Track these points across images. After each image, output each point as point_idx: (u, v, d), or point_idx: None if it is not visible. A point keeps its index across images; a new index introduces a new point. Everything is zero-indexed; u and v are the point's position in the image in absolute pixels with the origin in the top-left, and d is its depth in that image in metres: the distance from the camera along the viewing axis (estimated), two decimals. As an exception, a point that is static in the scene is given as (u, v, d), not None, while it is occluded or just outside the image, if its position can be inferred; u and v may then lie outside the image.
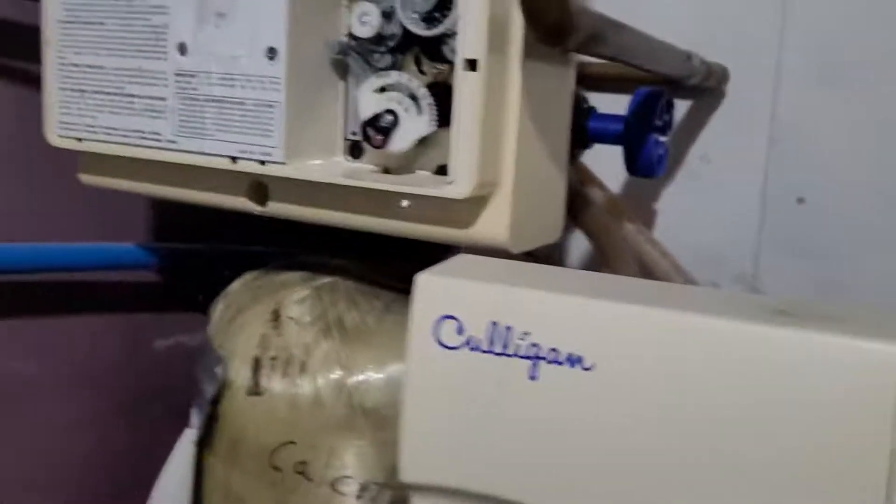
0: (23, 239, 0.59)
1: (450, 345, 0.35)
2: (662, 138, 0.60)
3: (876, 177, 0.67)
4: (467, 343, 0.35)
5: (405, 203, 0.42)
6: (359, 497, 0.50)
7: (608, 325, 0.33)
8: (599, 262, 0.57)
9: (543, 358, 0.33)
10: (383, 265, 0.57)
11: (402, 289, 0.55)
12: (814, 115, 0.69)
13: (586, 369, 0.33)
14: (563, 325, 0.33)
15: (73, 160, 0.54)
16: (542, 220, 0.45)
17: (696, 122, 0.72)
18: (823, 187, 0.69)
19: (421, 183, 0.41)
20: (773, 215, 0.71)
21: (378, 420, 0.50)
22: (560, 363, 0.33)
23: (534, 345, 0.34)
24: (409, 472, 0.37)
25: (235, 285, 0.59)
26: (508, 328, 0.34)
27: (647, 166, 0.59)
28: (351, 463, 0.50)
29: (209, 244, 0.70)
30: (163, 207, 0.69)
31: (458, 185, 0.39)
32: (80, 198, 0.62)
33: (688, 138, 0.73)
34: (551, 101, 0.44)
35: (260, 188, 0.47)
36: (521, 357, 0.34)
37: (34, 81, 0.55)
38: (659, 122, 0.59)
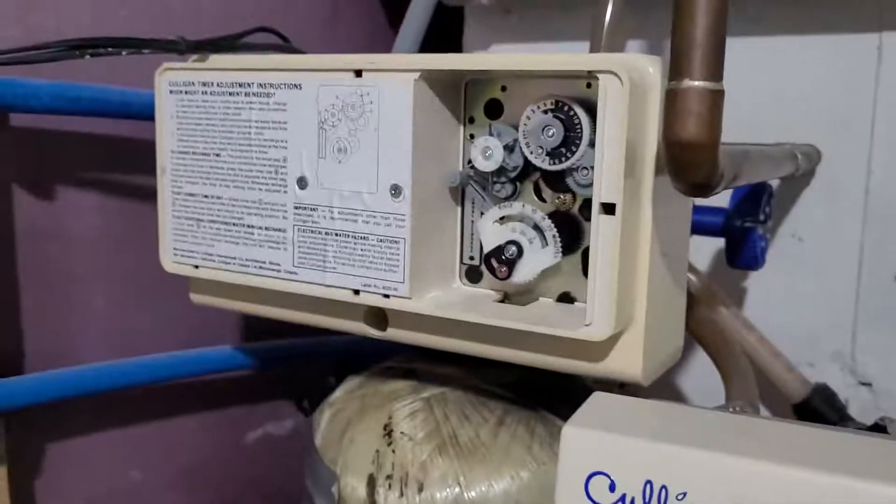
0: (131, 349, 0.60)
1: (601, 502, 0.35)
2: (764, 230, 0.59)
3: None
4: (621, 500, 0.34)
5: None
6: None
7: (778, 490, 0.32)
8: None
9: (705, 521, 0.33)
10: (489, 371, 0.57)
11: (512, 398, 0.55)
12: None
13: (752, 536, 0.32)
14: (724, 487, 0.33)
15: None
16: (668, 346, 0.45)
17: (787, 200, 0.71)
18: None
19: (551, 319, 0.41)
20: (869, 292, 0.70)
21: (498, 539, 0.49)
22: (724, 528, 0.32)
23: (694, 506, 0.33)
24: None
25: (340, 393, 0.59)
26: (664, 487, 0.34)
27: (751, 259, 0.58)
28: (471, 583, 0.49)
29: (300, 339, 0.71)
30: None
31: (597, 328, 0.38)
32: (177, 306, 0.63)
33: (779, 217, 0.72)
34: (676, 226, 0.44)
35: (379, 314, 0.47)
36: (681, 519, 0.33)
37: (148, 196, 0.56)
38: (762, 216, 0.58)
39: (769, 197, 0.59)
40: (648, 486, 0.34)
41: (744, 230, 0.58)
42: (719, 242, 0.65)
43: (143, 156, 0.60)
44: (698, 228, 0.60)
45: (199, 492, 0.70)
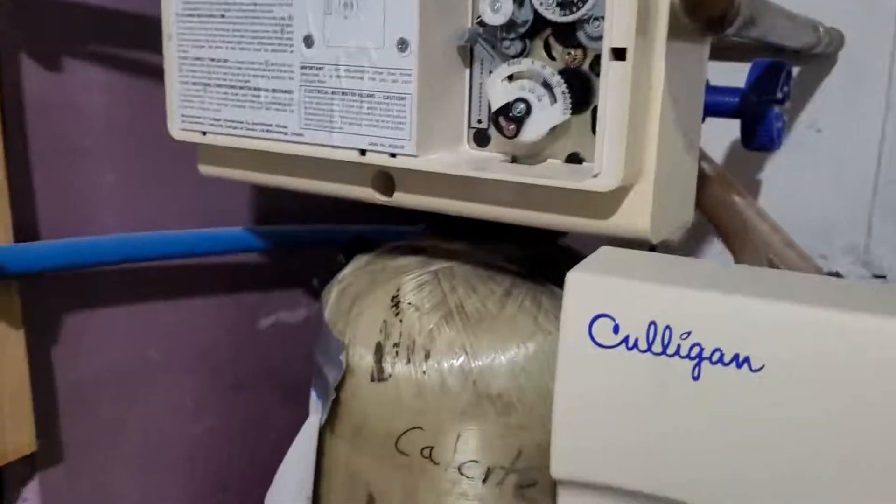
0: (142, 228, 0.61)
1: (605, 344, 0.35)
2: (782, 110, 0.58)
3: None
4: (624, 342, 0.34)
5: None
6: (485, 481, 0.51)
7: (778, 326, 0.32)
8: (722, 240, 0.56)
9: (707, 358, 0.33)
10: (499, 248, 0.57)
11: (521, 273, 0.55)
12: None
13: (755, 371, 0.32)
14: (729, 326, 0.33)
15: (185, 150, 0.54)
16: (678, 207, 0.44)
17: (806, 89, 0.70)
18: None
19: (559, 174, 0.41)
20: (887, 185, 0.69)
21: (503, 406, 0.50)
22: (726, 364, 0.33)
23: (696, 345, 0.33)
24: (560, 468, 0.37)
25: (349, 270, 0.60)
26: (668, 328, 0.34)
27: (767, 140, 0.57)
28: (477, 447, 0.50)
29: (314, 225, 0.71)
30: (269, 191, 0.70)
31: (605, 178, 0.38)
32: (188, 183, 0.63)
33: (797, 106, 0.70)
34: (689, 82, 0.43)
35: (386, 179, 0.47)
36: (683, 357, 0.33)
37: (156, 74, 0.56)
38: (779, 95, 0.57)
39: (787, 76, 0.58)
40: (652, 326, 0.34)
41: (760, 108, 0.56)
42: (732, 133, 0.64)
43: (149, 33, 0.59)
44: (713, 109, 0.58)
45: (212, 373, 0.71)
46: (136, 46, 0.59)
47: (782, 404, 0.32)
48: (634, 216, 0.40)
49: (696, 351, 0.33)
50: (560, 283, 0.54)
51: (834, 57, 0.68)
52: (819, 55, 0.67)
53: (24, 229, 0.53)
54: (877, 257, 0.70)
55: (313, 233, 0.70)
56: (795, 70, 0.70)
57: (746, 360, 0.32)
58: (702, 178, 0.59)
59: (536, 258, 0.57)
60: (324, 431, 0.56)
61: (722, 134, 0.70)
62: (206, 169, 0.54)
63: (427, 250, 0.57)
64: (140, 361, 0.64)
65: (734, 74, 0.60)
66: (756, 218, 0.66)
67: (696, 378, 0.33)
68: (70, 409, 0.59)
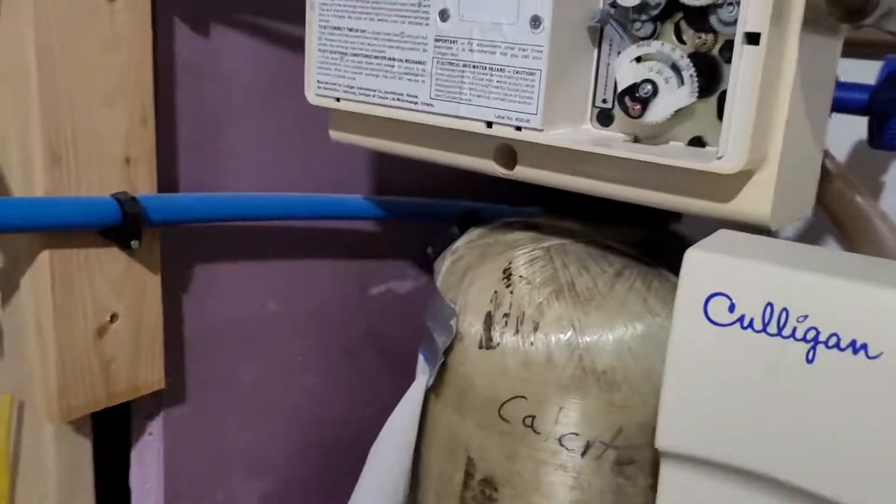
0: (271, 189, 0.64)
1: (719, 322, 0.36)
2: (914, 109, 0.56)
3: None
4: (739, 321, 0.35)
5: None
6: (584, 454, 0.52)
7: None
8: (840, 236, 0.55)
9: (823, 343, 0.33)
10: (612, 229, 0.57)
11: (633, 255, 0.56)
12: None
13: (871, 357, 0.32)
14: (847, 312, 0.33)
15: (317, 118, 0.57)
16: (799, 196, 0.44)
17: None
18: None
19: (682, 155, 0.41)
20: None
21: (607, 382, 0.51)
22: (842, 349, 0.33)
23: (812, 328, 0.33)
24: (665, 439, 0.38)
25: (462, 242, 0.62)
26: (785, 310, 0.34)
27: (894, 140, 0.56)
28: (578, 421, 0.52)
29: (430, 199, 0.73)
30: (389, 164, 0.73)
31: (729, 161, 0.38)
32: (316, 150, 0.67)
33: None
34: (820, 72, 0.42)
35: (509, 152, 0.49)
36: (798, 340, 0.34)
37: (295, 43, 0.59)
38: (913, 93, 0.55)
39: (924, 74, 0.56)
40: (769, 307, 0.34)
41: (890, 107, 0.55)
42: (858, 131, 0.63)
43: (292, 3, 0.62)
44: (840, 105, 0.57)
45: (323, 334, 0.74)
46: (278, 16, 0.62)
47: (898, 393, 0.32)
48: (755, 202, 0.40)
49: (811, 334, 0.33)
50: (671, 268, 0.55)
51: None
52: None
53: (167, 185, 0.57)
54: None
55: (429, 206, 0.72)
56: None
57: (864, 346, 0.32)
58: (824, 173, 0.59)
59: (649, 242, 0.57)
60: (428, 395, 0.59)
61: (847, 131, 0.69)
62: (336, 135, 0.57)
63: (540, 227, 0.58)
64: (258, 315, 0.68)
65: (865, 71, 0.59)
66: (876, 218, 0.64)
67: (810, 361, 0.33)
68: (193, 354, 0.63)
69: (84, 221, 0.50)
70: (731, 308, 0.35)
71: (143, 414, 0.63)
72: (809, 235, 0.73)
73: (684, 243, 0.59)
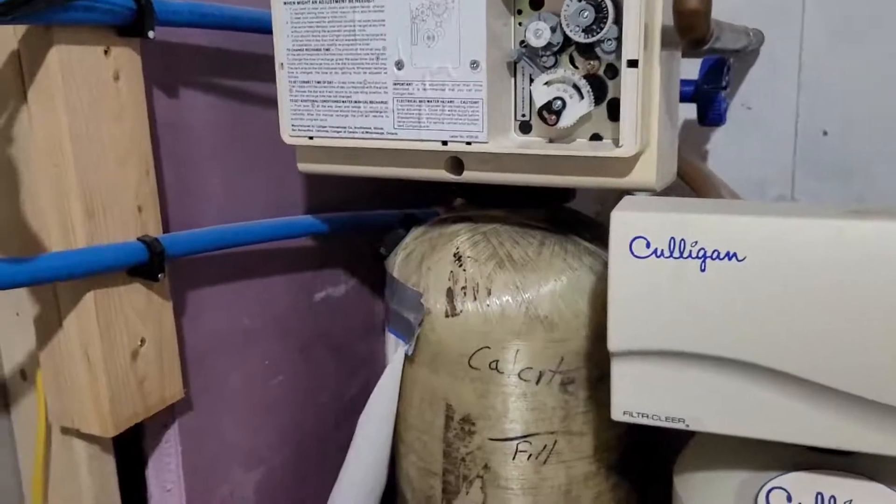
0: (235, 220, 0.76)
1: (641, 255, 0.53)
2: (725, 95, 0.77)
3: (886, 110, 0.85)
4: (654, 253, 0.53)
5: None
6: (538, 382, 0.68)
7: (754, 230, 0.50)
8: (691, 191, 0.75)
9: (709, 257, 0.51)
10: (525, 213, 0.74)
11: (547, 228, 0.73)
12: (833, 63, 0.86)
13: (740, 261, 0.51)
14: (721, 234, 0.51)
15: (265, 157, 0.70)
16: (670, 168, 0.63)
17: (739, 77, 0.89)
18: (843, 121, 0.87)
19: (591, 148, 0.59)
20: (803, 147, 0.89)
21: (549, 324, 0.68)
22: (721, 259, 0.51)
23: (702, 249, 0.51)
24: (614, 342, 0.55)
25: (409, 238, 0.77)
26: (683, 240, 0.52)
27: (717, 118, 0.76)
28: (531, 357, 0.68)
29: (359, 212, 0.87)
30: (319, 186, 0.86)
31: (627, 148, 0.56)
32: (266, 183, 0.79)
33: (732, 92, 0.90)
34: (672, 77, 0.61)
35: (457, 162, 0.64)
36: (694, 258, 0.52)
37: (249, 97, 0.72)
38: (724, 83, 0.76)
39: (728, 69, 0.77)
40: (672, 240, 0.52)
41: (711, 94, 0.76)
42: (688, 114, 0.83)
43: (245, 65, 0.75)
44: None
45: (284, 338, 0.86)
46: (234, 76, 0.75)
47: (759, 282, 0.50)
48: (644, 174, 0.58)
49: (702, 253, 0.51)
50: (577, 234, 0.72)
51: (758, 51, 0.88)
52: (748, 51, 0.87)
53: (164, 224, 0.68)
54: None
55: (370, 216, 0.86)
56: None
57: (735, 254, 0.51)
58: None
59: (554, 218, 0.74)
60: (404, 363, 0.73)
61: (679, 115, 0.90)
62: (304, 167, 0.70)
63: (472, 218, 0.74)
64: (237, 329, 0.79)
65: (686, 69, 0.78)
66: (711, 175, 0.85)
67: (703, 270, 0.51)
68: (194, 366, 0.74)
69: (121, 263, 0.61)
70: (648, 245, 0.53)
71: (158, 424, 0.73)
72: (671, 194, 0.93)
73: (579, 216, 0.77)
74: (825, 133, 0.88)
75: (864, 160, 0.87)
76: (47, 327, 0.63)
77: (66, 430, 0.67)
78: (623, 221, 0.53)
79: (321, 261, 0.91)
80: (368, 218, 0.85)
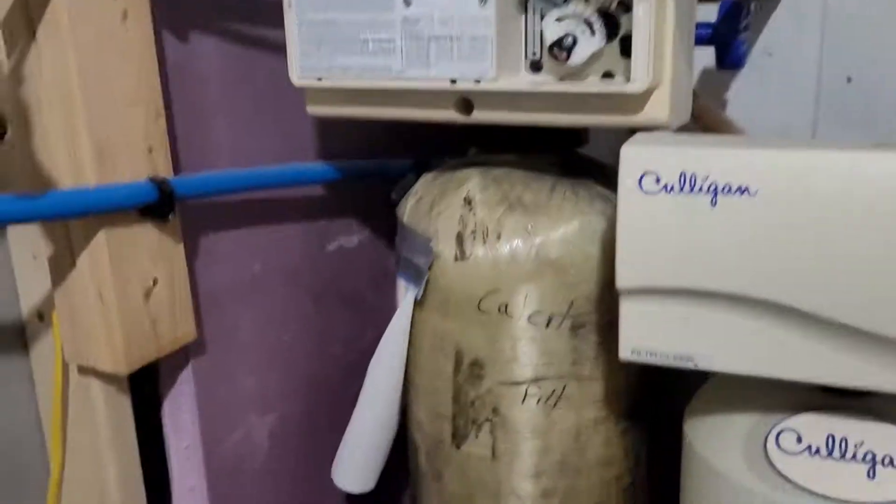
0: (248, 163, 0.76)
1: (651, 191, 0.52)
2: (744, 37, 0.76)
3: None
4: (664, 188, 0.52)
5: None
6: (547, 326, 0.68)
7: (767, 163, 0.49)
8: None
9: (720, 191, 0.50)
10: (537, 157, 0.73)
11: (558, 174, 0.72)
12: (857, 9, 0.84)
13: (752, 195, 0.50)
14: (733, 169, 0.50)
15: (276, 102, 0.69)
16: (684, 105, 0.61)
17: (759, 23, 0.87)
18: (868, 68, 0.85)
19: (603, 85, 0.58)
20: (826, 94, 0.87)
21: (559, 268, 0.67)
22: (732, 193, 0.50)
23: (713, 183, 0.50)
24: (623, 280, 0.54)
25: (420, 184, 0.76)
26: (693, 175, 0.51)
27: (736, 61, 0.75)
28: (541, 301, 0.68)
29: (372, 160, 0.87)
30: (330, 136, 0.86)
31: (638, 83, 0.55)
32: (276, 129, 0.79)
33: (753, 38, 0.88)
34: (688, 17, 0.60)
35: (465, 102, 0.63)
36: (705, 193, 0.51)
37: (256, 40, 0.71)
38: (742, 26, 0.74)
39: (747, 12, 0.75)
40: (683, 176, 0.51)
41: (729, 37, 0.74)
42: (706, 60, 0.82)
43: (254, 8, 0.74)
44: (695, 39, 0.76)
45: (296, 287, 0.86)
46: (241, 19, 0.74)
47: (771, 216, 0.49)
48: (657, 111, 0.57)
49: (712, 187, 0.50)
50: (588, 179, 0.71)
51: (780, -7, 0.86)
52: (768, -5, 0.85)
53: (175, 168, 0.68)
54: (821, 153, 0.89)
55: (372, 165, 0.86)
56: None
57: (746, 189, 0.50)
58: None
59: (565, 163, 0.74)
60: (413, 309, 0.73)
61: (698, 61, 0.88)
62: (313, 109, 0.70)
63: (483, 163, 0.74)
64: (248, 276, 0.80)
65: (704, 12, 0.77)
66: (730, 121, 0.84)
67: (714, 205, 0.51)
68: (207, 312, 0.75)
69: (131, 202, 0.61)
70: (657, 180, 0.52)
71: (172, 366, 0.73)
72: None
73: (592, 161, 0.76)
74: (849, 80, 0.86)
75: (888, 107, 0.85)
76: (61, 268, 0.64)
77: (82, 370, 0.68)
78: (632, 156, 0.53)
79: (334, 211, 0.91)
80: (381, 166, 0.84)
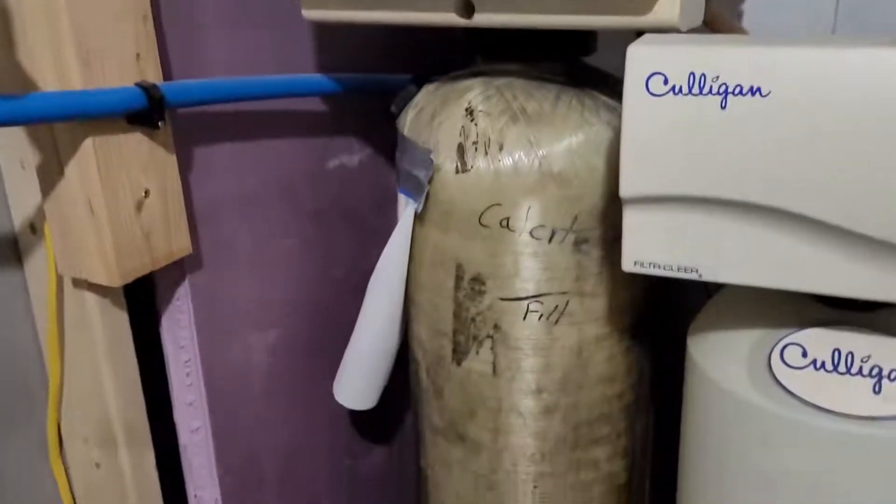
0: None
1: (658, 93, 0.50)
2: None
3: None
4: (672, 90, 0.49)
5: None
6: (550, 241, 0.66)
7: (781, 62, 0.47)
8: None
9: (731, 92, 0.48)
10: (541, 66, 0.70)
11: (563, 83, 0.69)
12: None
13: (764, 96, 0.47)
14: (744, 68, 0.47)
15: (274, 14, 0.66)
16: (695, 7, 0.58)
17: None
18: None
19: (609, -18, 0.55)
20: (846, 1, 0.83)
21: (562, 181, 0.65)
22: (744, 94, 0.47)
23: (723, 84, 0.48)
24: (627, 187, 0.52)
25: (421, 95, 0.74)
26: (703, 75, 0.48)
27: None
28: (543, 215, 0.66)
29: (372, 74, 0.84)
30: (328, 51, 0.82)
31: (647, -21, 0.52)
32: (273, 40, 0.76)
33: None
34: None
35: (466, 4, 0.60)
36: (715, 94, 0.48)
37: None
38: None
39: None
40: (692, 76, 0.48)
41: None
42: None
43: None
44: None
45: (294, 203, 0.84)
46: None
47: (784, 117, 0.47)
48: (667, 11, 0.54)
49: (723, 88, 0.48)
50: (594, 89, 0.69)
51: None
52: None
53: (165, 76, 0.66)
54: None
55: (371, 79, 0.83)
56: None
57: (758, 89, 0.47)
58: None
59: (571, 72, 0.71)
60: (414, 223, 0.71)
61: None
62: (309, 13, 0.67)
63: (485, 73, 0.71)
64: (243, 189, 0.78)
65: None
66: (738, 26, 0.80)
67: (724, 108, 0.48)
68: (203, 225, 0.73)
69: (119, 108, 0.59)
70: (665, 81, 0.49)
71: (169, 281, 0.72)
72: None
73: (599, 71, 0.73)
74: (870, -14, 0.82)
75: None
76: (50, 178, 0.62)
77: (77, 283, 0.67)
78: (639, 57, 0.50)
79: (333, 127, 0.88)
80: (381, 80, 0.81)
